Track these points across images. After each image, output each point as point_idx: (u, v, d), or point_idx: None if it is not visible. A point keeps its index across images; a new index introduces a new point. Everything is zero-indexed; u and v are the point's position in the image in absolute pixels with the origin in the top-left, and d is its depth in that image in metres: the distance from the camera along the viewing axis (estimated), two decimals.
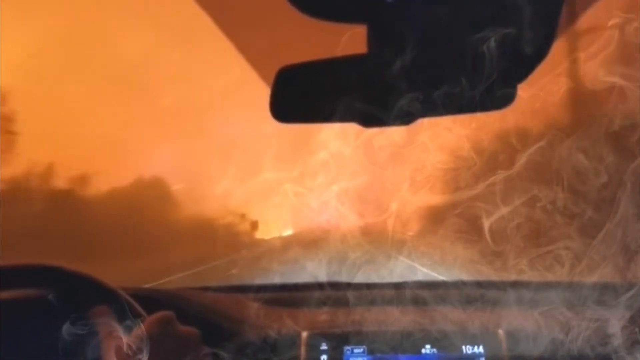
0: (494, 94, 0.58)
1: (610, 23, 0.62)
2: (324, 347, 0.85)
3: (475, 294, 0.91)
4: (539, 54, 0.55)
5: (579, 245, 0.77)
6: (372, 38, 0.59)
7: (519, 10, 0.53)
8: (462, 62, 0.57)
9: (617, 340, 0.76)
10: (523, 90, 0.59)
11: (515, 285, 0.92)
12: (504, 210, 0.81)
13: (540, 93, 0.72)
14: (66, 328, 0.69)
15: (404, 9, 0.56)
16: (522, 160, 0.78)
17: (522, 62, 0.56)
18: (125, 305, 0.71)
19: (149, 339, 0.64)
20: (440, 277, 0.94)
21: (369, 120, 0.63)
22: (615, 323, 0.77)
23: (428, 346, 0.83)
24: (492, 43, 0.55)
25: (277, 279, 1.08)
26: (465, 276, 0.89)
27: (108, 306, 0.70)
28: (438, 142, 0.79)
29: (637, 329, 0.76)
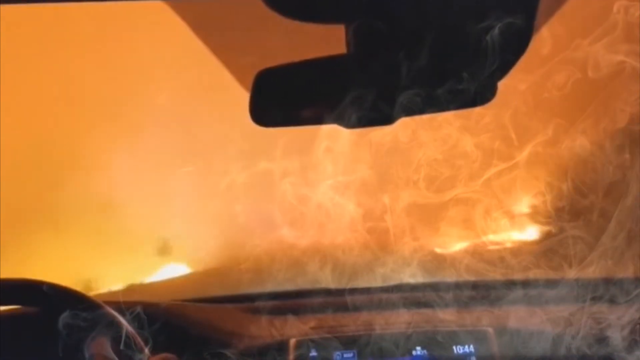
0: (476, 91, 0.57)
1: (615, 7, 0.61)
2: (313, 353, 0.84)
3: (466, 294, 0.91)
4: (519, 48, 0.55)
5: (586, 238, 0.76)
6: (350, 38, 0.59)
7: (497, 4, 0.53)
8: (442, 59, 0.57)
9: (617, 339, 0.76)
10: (521, 80, 0.58)
11: (509, 283, 0.92)
12: (506, 204, 0.81)
13: (541, 81, 0.71)
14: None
15: (381, 8, 0.56)
16: (524, 153, 0.77)
17: (502, 57, 0.56)
18: (123, 333, 0.68)
19: None
20: (433, 278, 0.93)
21: (351, 121, 0.62)
22: (616, 320, 0.77)
23: (418, 348, 0.83)
24: (472, 39, 0.55)
25: (264, 288, 1.06)
26: (462, 276, 0.89)
27: (106, 338, 0.66)
28: (436, 136, 0.78)
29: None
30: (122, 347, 0.66)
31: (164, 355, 0.65)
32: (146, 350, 0.69)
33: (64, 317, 0.68)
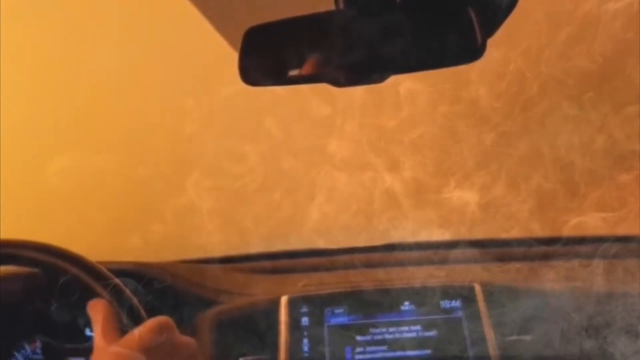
0: (465, 47, 0.57)
1: None
2: (304, 309, 0.86)
3: (453, 251, 0.93)
4: (508, 4, 0.55)
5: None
6: None
7: None
8: (431, 16, 0.56)
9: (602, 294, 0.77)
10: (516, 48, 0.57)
11: (498, 241, 0.94)
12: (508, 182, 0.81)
13: (542, 43, 0.69)
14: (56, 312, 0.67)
15: None
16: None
17: (489, 13, 0.55)
18: (122, 297, 0.67)
19: (144, 347, 0.59)
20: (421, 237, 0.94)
21: (340, 79, 0.62)
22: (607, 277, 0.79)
23: (407, 303, 0.85)
24: None
25: (257, 248, 1.08)
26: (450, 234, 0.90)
27: (107, 301, 0.65)
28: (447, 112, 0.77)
29: None
30: (124, 313, 0.66)
31: (159, 319, 0.64)
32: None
33: (59, 279, 0.67)
